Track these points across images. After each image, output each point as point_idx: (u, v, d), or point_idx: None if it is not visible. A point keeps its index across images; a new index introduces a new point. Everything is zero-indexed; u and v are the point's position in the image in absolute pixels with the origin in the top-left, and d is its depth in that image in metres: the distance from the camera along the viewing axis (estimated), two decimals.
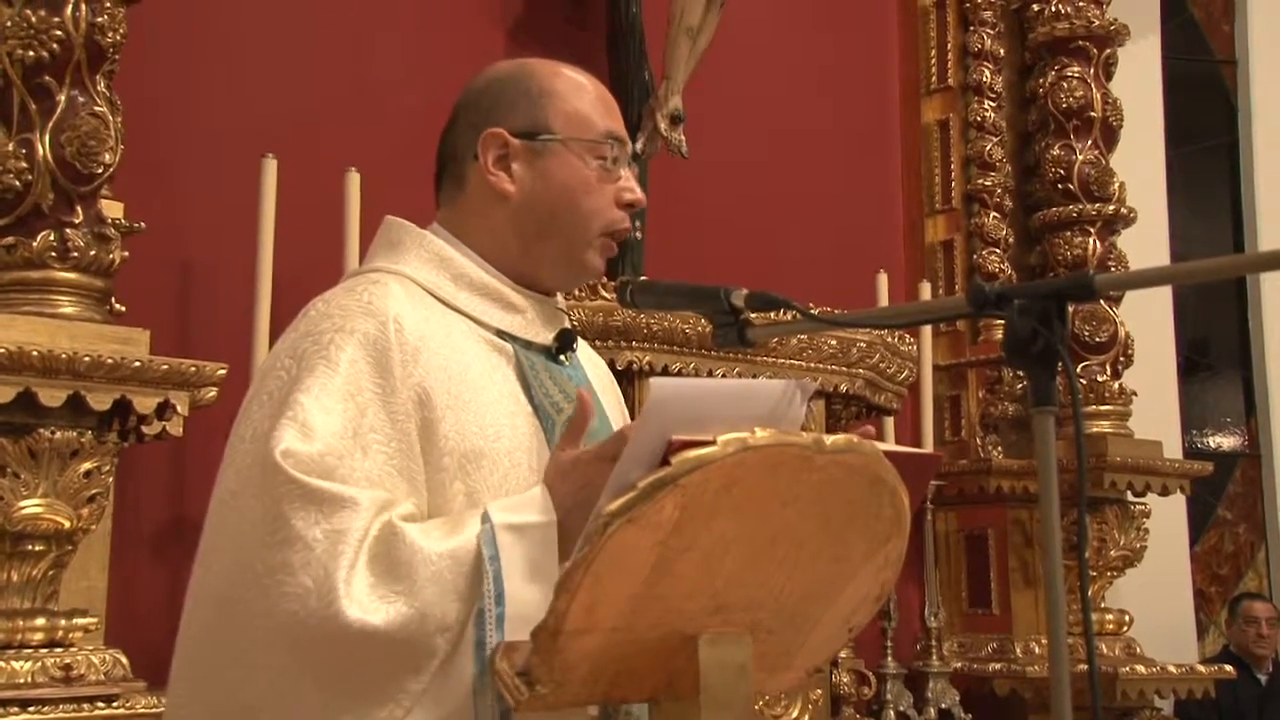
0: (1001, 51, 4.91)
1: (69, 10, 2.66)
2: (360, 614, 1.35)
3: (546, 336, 1.69)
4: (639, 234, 3.75)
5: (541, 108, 1.67)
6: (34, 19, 2.64)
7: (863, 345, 3.62)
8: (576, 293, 3.14)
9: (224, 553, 1.43)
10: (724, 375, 3.34)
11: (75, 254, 2.66)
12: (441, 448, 1.51)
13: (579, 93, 1.69)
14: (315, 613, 1.35)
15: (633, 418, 3.29)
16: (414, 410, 1.51)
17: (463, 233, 1.68)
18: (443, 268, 1.65)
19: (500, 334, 1.65)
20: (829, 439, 1.31)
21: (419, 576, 1.37)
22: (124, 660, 2.66)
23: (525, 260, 1.67)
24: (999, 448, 4.64)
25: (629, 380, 3.27)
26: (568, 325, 1.73)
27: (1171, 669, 4.36)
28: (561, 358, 1.70)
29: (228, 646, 1.40)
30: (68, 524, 2.59)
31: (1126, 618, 4.52)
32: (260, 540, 1.39)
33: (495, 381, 1.60)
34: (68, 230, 2.66)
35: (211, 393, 2.78)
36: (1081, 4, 4.70)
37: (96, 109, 2.69)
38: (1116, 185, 4.65)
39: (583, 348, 1.79)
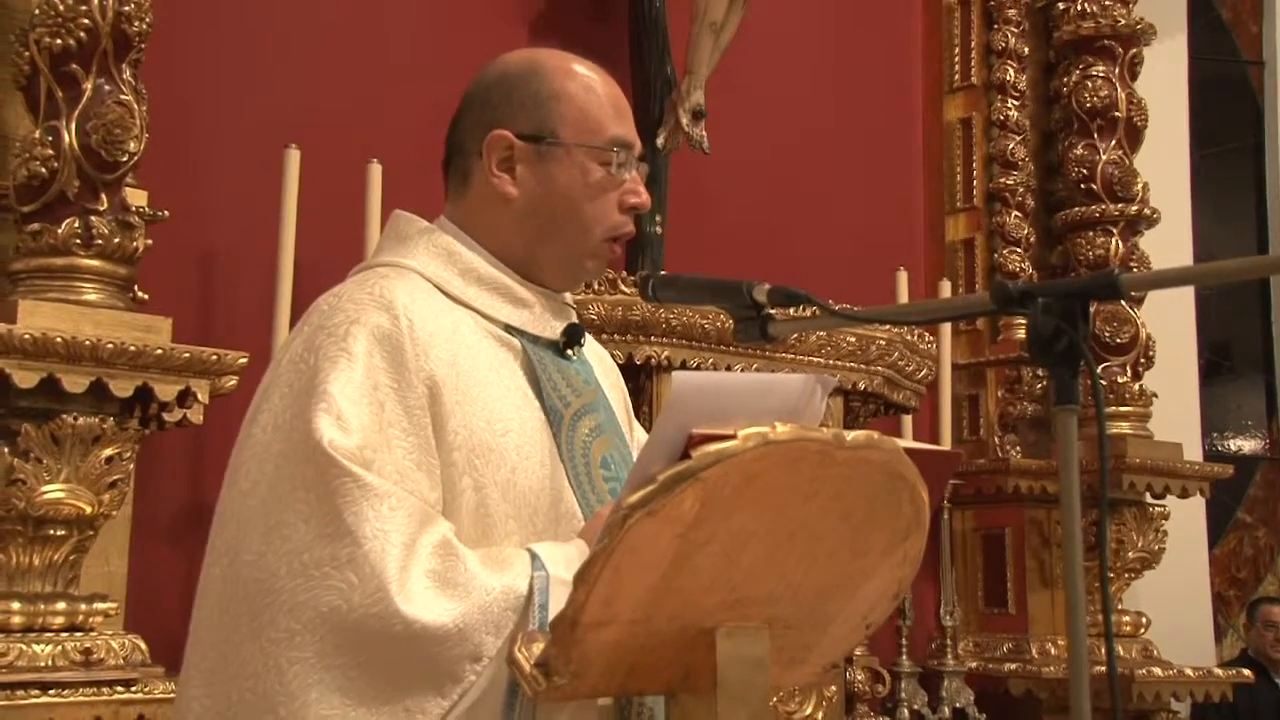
0: (1026, 50, 4.88)
1: None
2: (414, 611, 1.35)
3: (554, 331, 1.68)
4: (659, 229, 3.75)
5: (548, 111, 1.64)
6: (62, 7, 2.65)
7: (882, 343, 3.61)
8: (595, 286, 3.14)
9: (260, 541, 1.41)
10: (742, 370, 3.33)
11: (99, 241, 2.67)
12: (451, 443, 1.51)
13: (588, 95, 1.66)
14: (358, 607, 1.35)
15: (650, 412, 3.29)
16: (427, 405, 1.50)
17: (469, 228, 1.67)
18: (450, 262, 1.64)
19: (508, 329, 1.64)
20: (849, 434, 1.31)
21: (471, 599, 1.38)
22: (143, 645, 2.68)
23: (528, 260, 1.67)
24: (1017, 447, 4.62)
25: (647, 375, 3.26)
26: (575, 320, 1.73)
27: (1189, 672, 4.33)
28: (569, 352, 1.70)
29: (259, 636, 1.38)
30: (89, 509, 2.60)
31: (1144, 620, 4.50)
32: (314, 532, 1.38)
33: (503, 376, 1.60)
34: (92, 218, 2.67)
35: (232, 381, 2.79)
36: (1108, 3, 4.67)
37: (122, 97, 2.70)
38: (1140, 186, 4.62)
39: (589, 343, 1.79)
